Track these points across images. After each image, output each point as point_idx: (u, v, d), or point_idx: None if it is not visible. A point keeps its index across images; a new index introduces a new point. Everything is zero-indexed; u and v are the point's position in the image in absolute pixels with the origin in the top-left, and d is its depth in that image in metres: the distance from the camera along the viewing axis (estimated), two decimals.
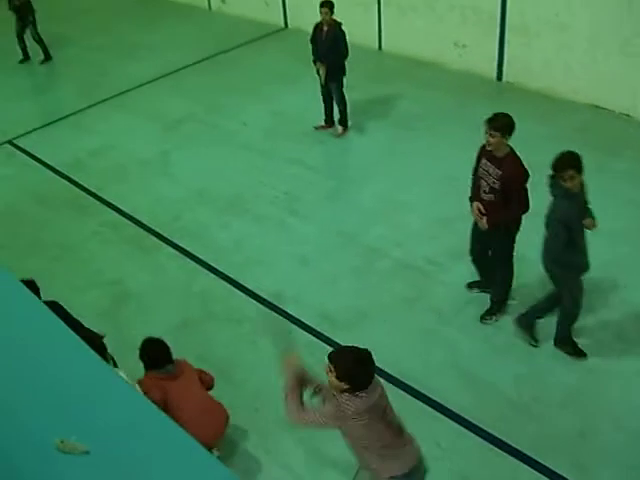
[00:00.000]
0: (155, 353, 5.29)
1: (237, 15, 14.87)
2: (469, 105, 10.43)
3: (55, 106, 12.17)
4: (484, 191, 6.17)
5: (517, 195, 6.01)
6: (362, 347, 3.99)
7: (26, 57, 13.70)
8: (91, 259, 8.25)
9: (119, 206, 9.07)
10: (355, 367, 3.91)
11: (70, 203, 9.34)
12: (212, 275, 7.75)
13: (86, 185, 9.63)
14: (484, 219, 6.18)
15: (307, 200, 8.88)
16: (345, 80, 9.83)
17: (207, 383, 5.53)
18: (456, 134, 9.65)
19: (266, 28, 14.03)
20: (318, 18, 9.57)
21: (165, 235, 8.45)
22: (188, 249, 8.16)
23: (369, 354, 3.98)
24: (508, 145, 5.98)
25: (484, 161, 6.12)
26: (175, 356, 5.38)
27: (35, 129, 11.35)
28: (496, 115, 5.95)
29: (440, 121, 10.28)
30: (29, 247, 8.54)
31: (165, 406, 4.96)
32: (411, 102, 10.89)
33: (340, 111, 10.12)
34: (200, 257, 8.00)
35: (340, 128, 10.25)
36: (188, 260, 8.02)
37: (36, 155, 10.58)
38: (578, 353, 6.29)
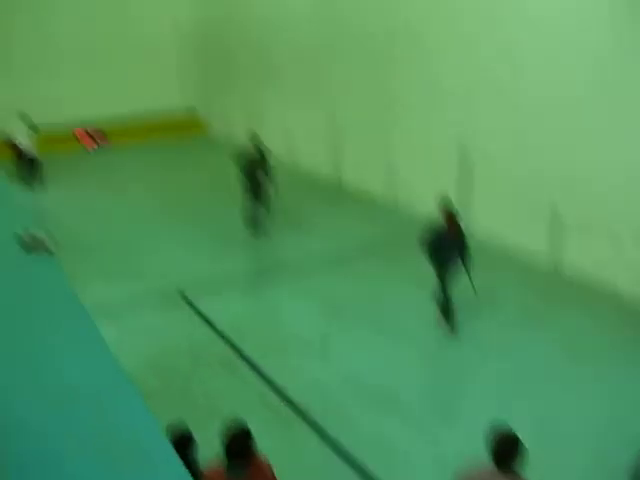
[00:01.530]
0: (230, 441, 4.84)
1: (410, 208, 15.26)
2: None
3: (227, 269, 12.71)
4: None
5: None
6: None
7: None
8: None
9: (272, 379, 9.09)
10: None
11: (225, 364, 9.49)
12: (349, 469, 7.48)
13: (244, 351, 9.78)
14: None
15: (455, 404, 8.54)
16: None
17: None
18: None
19: None
20: None
21: (311, 415, 8.31)
22: (330, 434, 7.97)
23: None
24: None
25: None
26: None
27: (206, 287, 11.85)
28: None
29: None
30: (178, 400, 8.64)
31: None
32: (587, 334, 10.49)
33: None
34: (342, 446, 7.77)
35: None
36: (327, 449, 7.81)
37: (201, 311, 10.98)
38: None
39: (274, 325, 10.70)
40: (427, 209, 14.72)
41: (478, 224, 13.24)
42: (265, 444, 7.81)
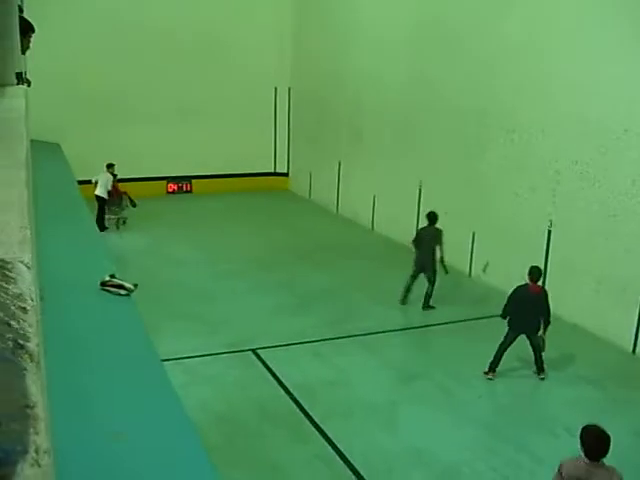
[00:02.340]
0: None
1: (494, 285, 14.93)
2: None
3: (303, 329, 12.67)
4: None
5: None
6: None
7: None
8: None
9: (336, 443, 8.95)
10: None
11: (291, 425, 9.42)
12: None
13: (310, 412, 9.69)
14: None
15: None
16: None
17: None
18: None
19: None
20: None
21: None
22: None
23: None
24: None
25: None
26: None
27: (279, 345, 11.84)
28: None
29: None
30: (241, 456, 8.59)
31: None
32: None
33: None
34: None
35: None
36: None
37: (272, 369, 10.96)
38: None
39: (343, 389, 10.56)
40: (507, 285, 14.51)
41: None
42: None
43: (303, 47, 23.69)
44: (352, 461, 8.58)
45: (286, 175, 25.26)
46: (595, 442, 5.96)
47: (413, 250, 13.66)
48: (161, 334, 11.33)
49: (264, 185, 24.65)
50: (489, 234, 15.39)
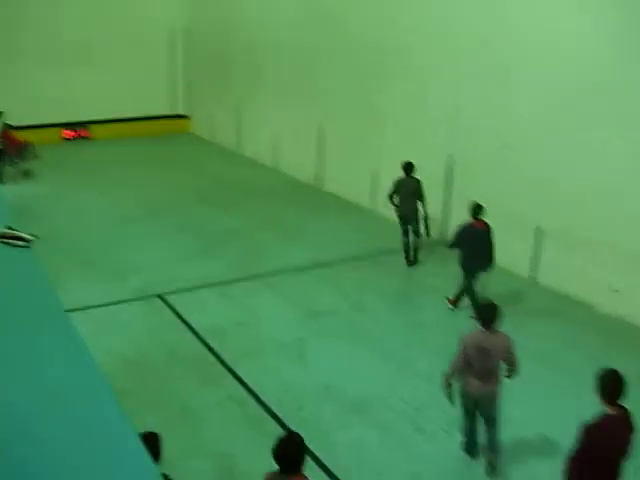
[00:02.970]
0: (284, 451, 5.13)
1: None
2: (613, 354, 9.99)
3: (210, 272, 12.64)
4: None
5: None
6: None
7: None
8: (209, 427, 8.19)
9: (248, 383, 9.07)
10: None
11: (202, 368, 9.46)
12: (322, 473, 7.46)
13: (221, 354, 9.76)
14: None
15: (435, 419, 8.53)
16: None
17: None
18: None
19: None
20: None
21: (285, 421, 8.29)
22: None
23: None
24: None
25: None
26: None
27: (186, 289, 11.81)
28: None
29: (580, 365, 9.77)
30: (152, 400, 8.63)
31: None
32: (555, 341, 10.55)
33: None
34: (315, 453, 7.74)
35: None
36: None
37: (180, 314, 10.94)
38: None
39: (252, 329, 10.65)
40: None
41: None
42: (236, 445, 7.87)
43: None
44: (264, 400, 8.72)
45: (188, 117, 24.79)
46: (488, 312, 7.21)
47: (391, 206, 13.00)
48: (66, 284, 11.14)
49: (166, 128, 24.12)
50: (391, 172, 15.58)
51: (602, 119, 11.10)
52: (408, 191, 12.64)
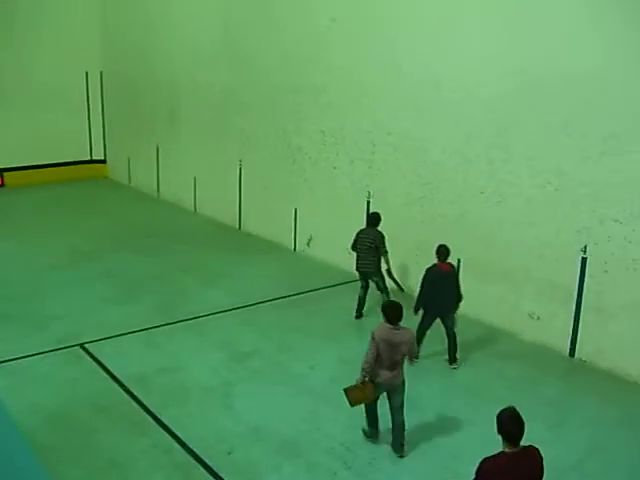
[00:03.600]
0: None
1: (320, 259, 15.43)
2: (538, 380, 10.29)
3: (132, 318, 12.44)
4: None
5: None
6: None
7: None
8: (135, 478, 8.01)
9: (174, 430, 8.91)
10: None
11: (126, 418, 9.26)
12: None
13: (145, 403, 9.58)
14: None
15: (363, 456, 8.56)
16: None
17: None
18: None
19: (349, 276, 14.04)
20: None
21: (214, 468, 8.18)
22: None
23: None
24: None
25: None
26: None
27: (108, 337, 11.60)
28: None
29: (507, 393, 9.99)
30: (77, 454, 8.40)
31: None
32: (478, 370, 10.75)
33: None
34: None
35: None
36: None
37: (103, 363, 10.72)
38: None
39: (177, 374, 10.51)
40: (332, 258, 14.99)
41: None
42: None
43: (112, 29, 22.86)
44: (191, 446, 8.59)
45: (104, 162, 24.46)
46: (394, 311, 8.20)
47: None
48: None
49: (81, 174, 23.68)
50: (311, 209, 15.76)
51: (511, 152, 11.53)
52: (366, 243, 12.08)
